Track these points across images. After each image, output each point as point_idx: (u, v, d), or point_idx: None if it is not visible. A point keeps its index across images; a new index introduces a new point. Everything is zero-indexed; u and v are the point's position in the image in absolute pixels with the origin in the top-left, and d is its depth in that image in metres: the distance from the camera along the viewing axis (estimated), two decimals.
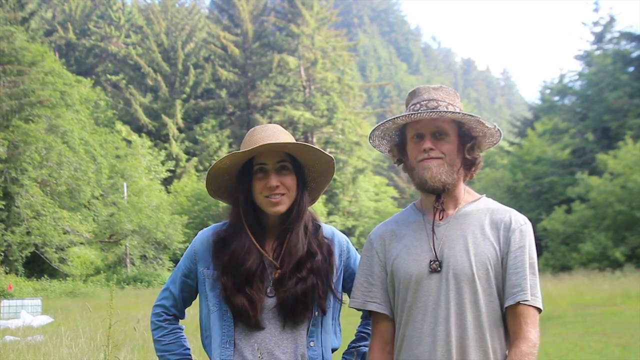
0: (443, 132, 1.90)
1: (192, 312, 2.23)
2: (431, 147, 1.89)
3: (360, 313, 2.26)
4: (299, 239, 2.04)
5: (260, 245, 2.03)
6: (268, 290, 2.01)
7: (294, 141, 2.02)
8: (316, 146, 2.07)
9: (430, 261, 1.89)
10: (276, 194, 2.00)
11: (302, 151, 2.06)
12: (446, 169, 1.89)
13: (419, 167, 1.91)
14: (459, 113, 1.87)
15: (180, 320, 2.22)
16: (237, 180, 2.09)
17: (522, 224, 1.90)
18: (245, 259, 1.99)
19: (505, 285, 1.85)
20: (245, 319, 1.98)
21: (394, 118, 1.93)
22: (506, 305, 1.85)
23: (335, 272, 2.10)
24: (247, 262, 1.99)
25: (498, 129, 1.92)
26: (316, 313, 2.04)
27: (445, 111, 1.87)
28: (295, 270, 2.00)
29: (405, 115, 1.89)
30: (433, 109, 1.88)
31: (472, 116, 1.87)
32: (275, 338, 2.00)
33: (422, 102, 1.92)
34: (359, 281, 2.04)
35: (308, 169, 2.14)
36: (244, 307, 1.96)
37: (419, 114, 1.86)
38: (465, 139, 1.93)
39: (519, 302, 1.82)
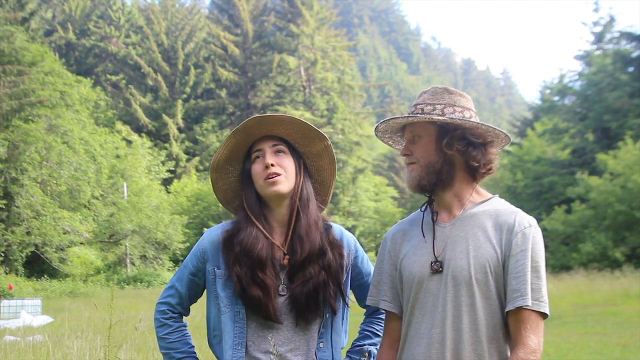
0: (417, 136, 1.94)
1: (193, 312, 2.23)
2: (406, 152, 1.96)
3: (364, 311, 2.28)
4: (311, 228, 2.04)
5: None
6: (280, 289, 2.01)
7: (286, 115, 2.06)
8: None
9: (431, 262, 1.89)
10: (271, 175, 2.01)
11: (293, 128, 2.07)
12: (419, 173, 1.91)
13: (406, 172, 2.00)
14: (406, 116, 1.91)
15: (184, 317, 2.21)
16: (242, 182, 2.12)
17: (525, 227, 1.85)
18: (254, 245, 2.00)
19: (506, 290, 1.83)
20: (264, 312, 1.97)
21: (375, 131, 2.07)
22: (507, 309, 1.81)
23: (344, 274, 2.11)
24: (257, 248, 1.99)
25: (462, 119, 1.87)
26: (327, 315, 2.04)
27: (397, 117, 1.94)
28: (306, 264, 2.00)
29: (375, 129, 2.04)
30: (410, 114, 1.94)
31: (412, 117, 1.90)
32: (287, 340, 2.01)
33: (409, 109, 1.98)
34: (375, 279, 2.07)
35: (306, 155, 2.15)
36: (260, 299, 1.95)
37: (380, 126, 2.02)
38: (445, 135, 1.91)
39: (519, 307, 1.79)
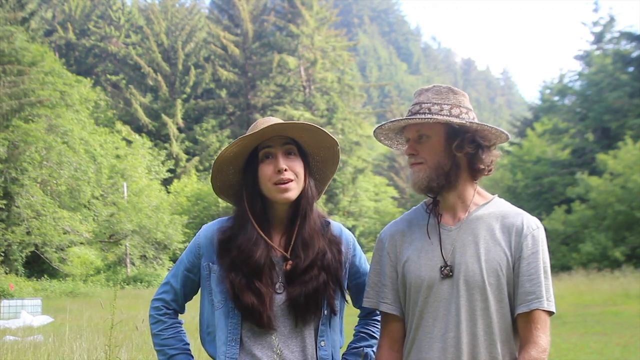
0: (424, 135, 1.90)
1: (192, 313, 2.20)
2: (411, 152, 1.91)
3: (358, 312, 2.25)
4: (315, 231, 2.00)
5: (268, 238, 1.99)
6: (277, 287, 1.97)
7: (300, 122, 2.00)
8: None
9: (441, 267, 1.88)
10: (284, 180, 1.95)
11: (308, 133, 2.02)
12: (427, 174, 1.88)
13: (410, 172, 1.94)
14: (415, 117, 1.86)
15: (179, 314, 2.17)
16: (243, 173, 2.05)
17: (534, 229, 1.87)
18: (252, 251, 1.94)
19: (518, 292, 1.84)
20: (257, 319, 1.93)
21: (374, 132, 2.01)
22: (519, 312, 1.83)
23: (343, 271, 2.08)
24: (255, 255, 1.94)
25: (478, 123, 1.86)
26: (325, 312, 2.00)
27: (414, 117, 1.88)
28: (308, 269, 1.96)
29: (378, 127, 1.98)
30: (415, 113, 1.89)
31: (428, 118, 1.85)
32: (284, 337, 1.96)
33: (409, 109, 1.94)
34: (372, 280, 2.04)
35: (313, 157, 2.11)
36: (253, 306, 1.91)
37: (385, 124, 1.95)
38: (454, 136, 1.89)
39: (533, 309, 1.81)
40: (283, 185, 1.95)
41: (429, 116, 1.86)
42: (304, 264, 1.96)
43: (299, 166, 2.00)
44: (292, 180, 1.97)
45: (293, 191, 1.97)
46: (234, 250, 1.98)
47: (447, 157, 1.89)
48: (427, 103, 1.90)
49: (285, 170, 1.96)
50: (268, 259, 1.96)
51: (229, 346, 1.96)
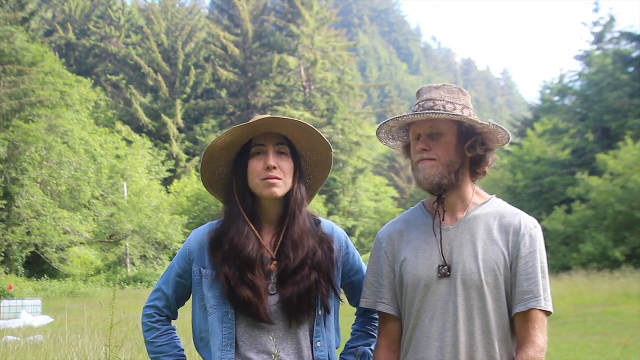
0: (438, 132, 1.89)
1: (181, 313, 2.19)
2: (424, 147, 1.90)
3: (354, 310, 2.24)
4: (304, 231, 1.99)
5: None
6: (269, 287, 1.95)
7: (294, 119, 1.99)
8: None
9: (439, 266, 1.88)
10: (271, 177, 1.95)
11: (301, 132, 2.01)
12: (440, 170, 1.88)
13: (416, 169, 1.93)
14: (441, 112, 1.85)
15: (172, 320, 2.16)
16: (233, 166, 2.05)
17: (531, 228, 1.88)
18: (244, 244, 1.94)
19: (515, 291, 1.84)
20: (254, 313, 1.91)
21: (386, 121, 1.96)
22: (517, 311, 1.83)
23: (335, 268, 2.06)
24: (247, 248, 1.94)
25: (494, 124, 1.87)
26: (319, 312, 1.99)
27: (429, 112, 1.86)
28: (298, 269, 1.95)
29: (393, 119, 1.92)
30: (428, 109, 1.87)
31: (455, 115, 1.84)
32: (278, 339, 1.95)
33: (420, 103, 1.92)
34: (369, 280, 2.03)
35: (305, 160, 2.10)
36: (249, 299, 1.90)
37: (404, 117, 1.89)
38: (466, 137, 1.90)
39: (530, 308, 1.81)
40: (270, 181, 1.95)
41: (447, 113, 1.85)
42: (294, 264, 1.95)
43: (288, 166, 2.00)
44: (280, 179, 1.97)
45: (279, 188, 1.97)
46: (226, 245, 1.97)
47: (458, 156, 1.90)
48: (440, 100, 1.89)
49: (274, 167, 1.96)
50: (259, 254, 1.96)
51: (224, 351, 1.94)
